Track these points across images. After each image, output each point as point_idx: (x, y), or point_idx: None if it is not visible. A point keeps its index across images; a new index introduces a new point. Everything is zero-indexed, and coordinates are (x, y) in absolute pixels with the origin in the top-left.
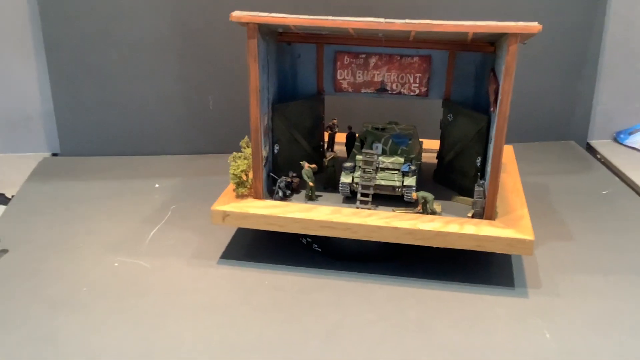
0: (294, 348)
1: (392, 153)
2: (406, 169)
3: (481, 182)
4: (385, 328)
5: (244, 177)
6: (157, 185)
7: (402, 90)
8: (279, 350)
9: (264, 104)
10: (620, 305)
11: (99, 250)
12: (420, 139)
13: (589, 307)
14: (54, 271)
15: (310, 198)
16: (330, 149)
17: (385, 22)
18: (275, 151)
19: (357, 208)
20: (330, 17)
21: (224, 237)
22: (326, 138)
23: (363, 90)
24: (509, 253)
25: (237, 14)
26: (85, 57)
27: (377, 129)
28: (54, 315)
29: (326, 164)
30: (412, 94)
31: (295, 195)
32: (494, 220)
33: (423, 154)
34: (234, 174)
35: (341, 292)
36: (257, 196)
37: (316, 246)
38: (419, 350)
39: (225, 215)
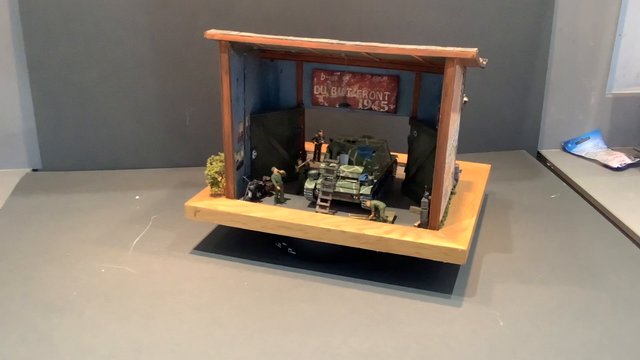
0: (275, 340)
1: (358, 164)
2: (363, 179)
3: (427, 195)
4: (357, 320)
5: (219, 178)
6: (137, 197)
7: (372, 106)
8: (260, 342)
9: (238, 112)
10: (545, 309)
11: (86, 258)
12: (394, 153)
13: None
14: (44, 278)
15: (279, 201)
16: (316, 159)
17: (337, 44)
18: (253, 157)
19: (316, 212)
20: (289, 37)
21: (204, 242)
22: (313, 148)
23: (337, 105)
24: (445, 261)
25: (211, 32)
26: (67, 76)
27: (348, 141)
28: (48, 317)
29: (297, 171)
30: (381, 110)
31: (267, 198)
32: (437, 230)
33: (398, 167)
34: (208, 174)
35: (315, 290)
36: (228, 196)
37: (291, 250)
38: (387, 339)
39: (197, 210)
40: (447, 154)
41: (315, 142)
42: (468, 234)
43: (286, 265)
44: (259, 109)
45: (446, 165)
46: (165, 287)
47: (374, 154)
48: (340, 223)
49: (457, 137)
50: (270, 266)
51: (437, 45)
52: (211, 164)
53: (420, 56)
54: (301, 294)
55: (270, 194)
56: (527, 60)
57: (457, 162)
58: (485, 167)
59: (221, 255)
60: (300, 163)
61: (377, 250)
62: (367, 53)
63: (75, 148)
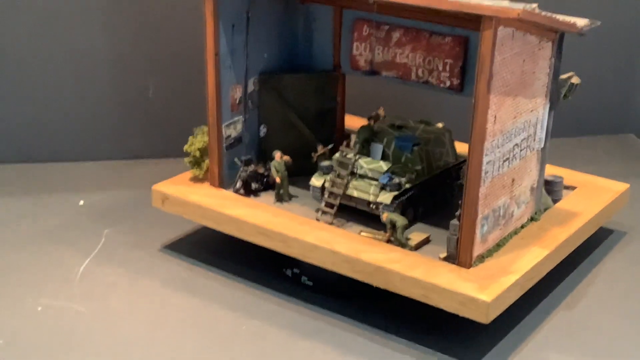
0: None
1: (395, 160)
2: (385, 181)
3: (458, 214)
4: None
5: (203, 158)
6: (81, 202)
7: (429, 79)
8: None
9: (232, 71)
10: None
11: (15, 292)
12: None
13: None
14: None
15: (279, 198)
16: None
17: None
18: (262, 134)
19: (317, 219)
20: None
21: (181, 265)
22: None
23: (383, 73)
24: (460, 314)
25: None
26: None
27: (393, 125)
28: None
29: (314, 160)
30: (441, 85)
31: (269, 192)
32: (468, 267)
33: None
34: (188, 150)
35: (341, 341)
36: (212, 183)
37: (306, 279)
38: None
39: (165, 198)
40: (488, 159)
41: (372, 123)
42: (510, 280)
43: (300, 299)
44: (276, 69)
45: (497, 176)
46: (129, 334)
47: (415, 148)
48: (336, 239)
49: (542, 135)
50: (277, 301)
51: None
52: (195, 137)
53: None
54: (320, 346)
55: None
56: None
57: (553, 173)
58: (617, 187)
59: (207, 284)
60: (321, 149)
61: (375, 286)
62: None
63: None
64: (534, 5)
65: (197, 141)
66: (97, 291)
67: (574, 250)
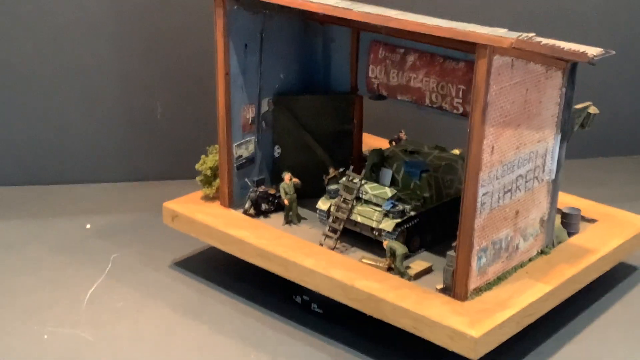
0: None
1: (405, 186)
2: (388, 207)
3: (455, 245)
4: None
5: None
6: (88, 226)
7: (442, 104)
8: None
9: (245, 91)
10: None
11: (21, 318)
12: None
13: None
14: None
15: (287, 220)
16: None
17: (343, 8)
18: (276, 155)
19: (320, 244)
20: None
21: (191, 290)
22: None
23: (398, 97)
24: (449, 349)
25: None
26: None
27: (406, 150)
28: None
29: (325, 182)
30: (454, 111)
31: (281, 213)
32: (463, 300)
33: None
34: (200, 169)
35: None
36: (222, 202)
37: (315, 306)
38: None
39: (174, 215)
40: (485, 190)
41: (395, 146)
42: (504, 315)
43: (309, 328)
44: (292, 90)
45: (498, 207)
46: None
47: (423, 175)
48: (333, 265)
49: (552, 166)
50: (287, 328)
51: None
52: (208, 155)
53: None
54: None
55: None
56: None
57: (572, 204)
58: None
59: (216, 310)
60: (332, 171)
61: (369, 315)
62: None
63: None
64: (531, 34)
65: (209, 160)
66: (104, 317)
67: (589, 287)
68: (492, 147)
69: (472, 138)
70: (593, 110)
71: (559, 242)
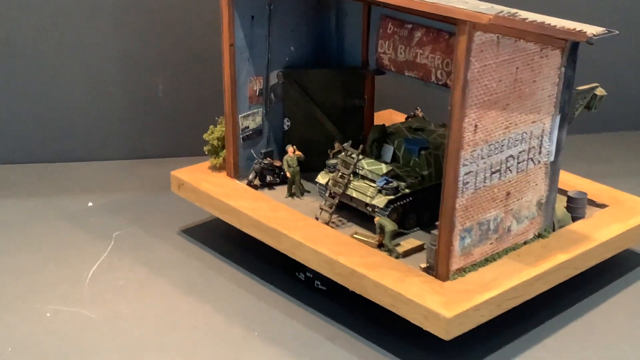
0: None
1: (405, 163)
2: (382, 184)
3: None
4: None
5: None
6: (90, 204)
7: (448, 81)
8: None
9: (250, 63)
10: None
11: (24, 297)
12: None
13: None
14: None
15: (290, 193)
16: None
17: None
18: (285, 127)
19: (316, 218)
20: None
21: (192, 267)
22: None
23: (406, 73)
24: (424, 328)
25: None
26: None
27: (411, 127)
28: None
29: (330, 156)
30: None
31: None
32: (445, 280)
33: None
34: (207, 139)
35: (356, 348)
36: (229, 172)
37: (319, 283)
38: None
39: (180, 183)
40: (467, 169)
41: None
42: (482, 297)
43: (313, 307)
44: (303, 63)
45: (484, 187)
46: (139, 340)
47: (422, 152)
48: (323, 239)
49: (551, 148)
50: (291, 306)
51: None
52: (217, 126)
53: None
54: (333, 354)
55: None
56: None
57: (584, 187)
58: None
59: (219, 288)
60: (337, 146)
61: (352, 290)
62: None
63: (1, 133)
64: (514, 11)
65: (217, 130)
66: (106, 296)
67: (592, 273)
68: (475, 126)
69: (453, 116)
70: (600, 92)
71: (562, 226)
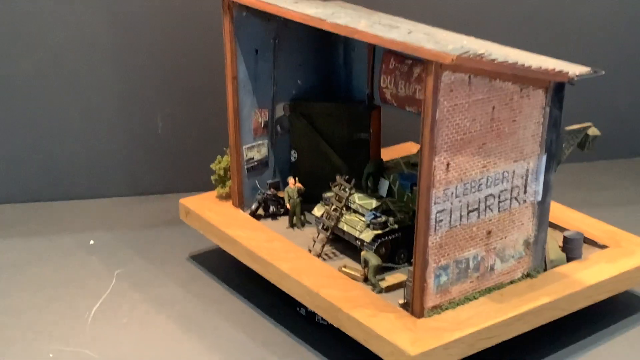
0: None
1: (400, 198)
2: (370, 218)
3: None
4: None
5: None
6: (92, 242)
7: None
8: None
9: (256, 96)
10: None
11: (26, 337)
12: None
13: None
14: None
15: (291, 224)
16: None
17: (319, 19)
18: (292, 159)
19: (309, 250)
20: (284, 6)
21: (196, 304)
22: None
23: (407, 108)
24: None
25: None
26: None
27: (410, 163)
28: None
29: (332, 188)
30: None
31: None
32: (419, 317)
33: None
34: (214, 168)
35: None
36: (234, 202)
37: (320, 318)
38: None
39: (187, 211)
40: (440, 208)
41: None
42: (452, 336)
43: (313, 342)
44: (311, 96)
45: (460, 226)
46: None
47: (414, 188)
48: (308, 271)
49: (537, 187)
50: (291, 342)
51: None
52: (223, 156)
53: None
54: None
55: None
56: None
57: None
58: None
59: (220, 325)
60: (339, 179)
61: (331, 324)
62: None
63: (1, 172)
64: (482, 52)
65: (224, 160)
66: (109, 335)
67: (589, 316)
68: (448, 164)
69: (423, 154)
70: (593, 132)
71: (555, 266)
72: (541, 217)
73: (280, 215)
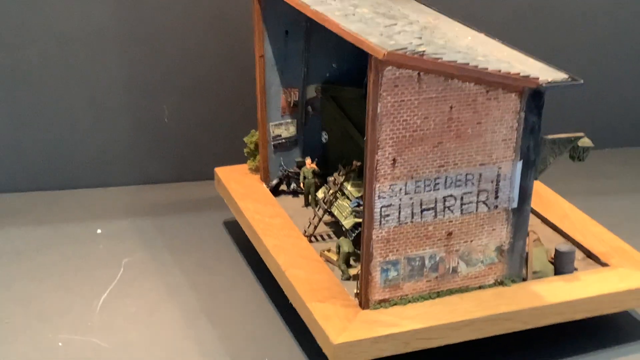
0: None
1: None
2: (354, 205)
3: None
4: None
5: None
6: (99, 231)
7: None
8: None
9: (282, 74)
10: None
11: (34, 326)
12: None
13: None
14: None
15: (307, 203)
16: None
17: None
18: (323, 140)
19: (304, 231)
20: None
21: (200, 296)
22: None
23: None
24: (324, 351)
25: None
26: None
27: None
28: None
29: (354, 169)
30: None
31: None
32: (364, 308)
33: None
34: (247, 141)
35: None
36: (260, 176)
37: None
38: None
39: (218, 180)
40: (386, 202)
41: None
42: (385, 331)
43: None
44: (346, 80)
45: (412, 223)
46: None
47: None
48: (287, 250)
49: (512, 194)
50: (302, 330)
51: None
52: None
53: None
54: None
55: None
56: None
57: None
58: None
59: (229, 311)
60: (355, 163)
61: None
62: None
63: (6, 160)
64: (422, 49)
65: (256, 135)
66: (117, 323)
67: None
68: (394, 160)
69: (367, 147)
70: (584, 142)
71: (539, 277)
72: (518, 225)
73: (301, 192)
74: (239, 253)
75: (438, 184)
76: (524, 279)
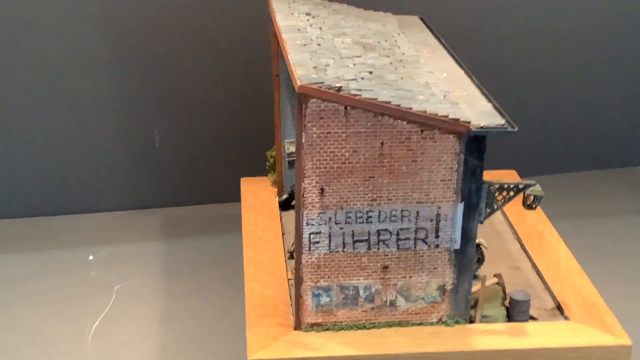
0: None
1: None
2: None
3: None
4: None
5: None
6: (91, 257)
7: None
8: None
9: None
10: None
11: (26, 354)
12: None
13: None
14: None
15: None
16: None
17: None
18: None
19: (291, 246)
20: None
21: (191, 324)
22: None
23: None
24: None
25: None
26: None
27: None
28: None
29: None
30: None
31: None
32: (295, 329)
33: None
34: (267, 155)
35: None
36: (278, 190)
37: None
38: None
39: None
40: (314, 230)
41: None
42: (301, 353)
43: None
44: None
45: (345, 253)
46: None
47: None
48: (261, 263)
49: (454, 235)
50: None
51: None
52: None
53: None
54: None
55: None
56: None
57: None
58: (612, 340)
59: (220, 338)
60: None
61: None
62: None
63: None
64: (338, 85)
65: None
66: (109, 351)
67: None
68: (322, 189)
69: (296, 174)
70: (534, 191)
71: (488, 322)
72: (461, 267)
73: None
74: (233, 278)
75: (371, 217)
76: (472, 321)
